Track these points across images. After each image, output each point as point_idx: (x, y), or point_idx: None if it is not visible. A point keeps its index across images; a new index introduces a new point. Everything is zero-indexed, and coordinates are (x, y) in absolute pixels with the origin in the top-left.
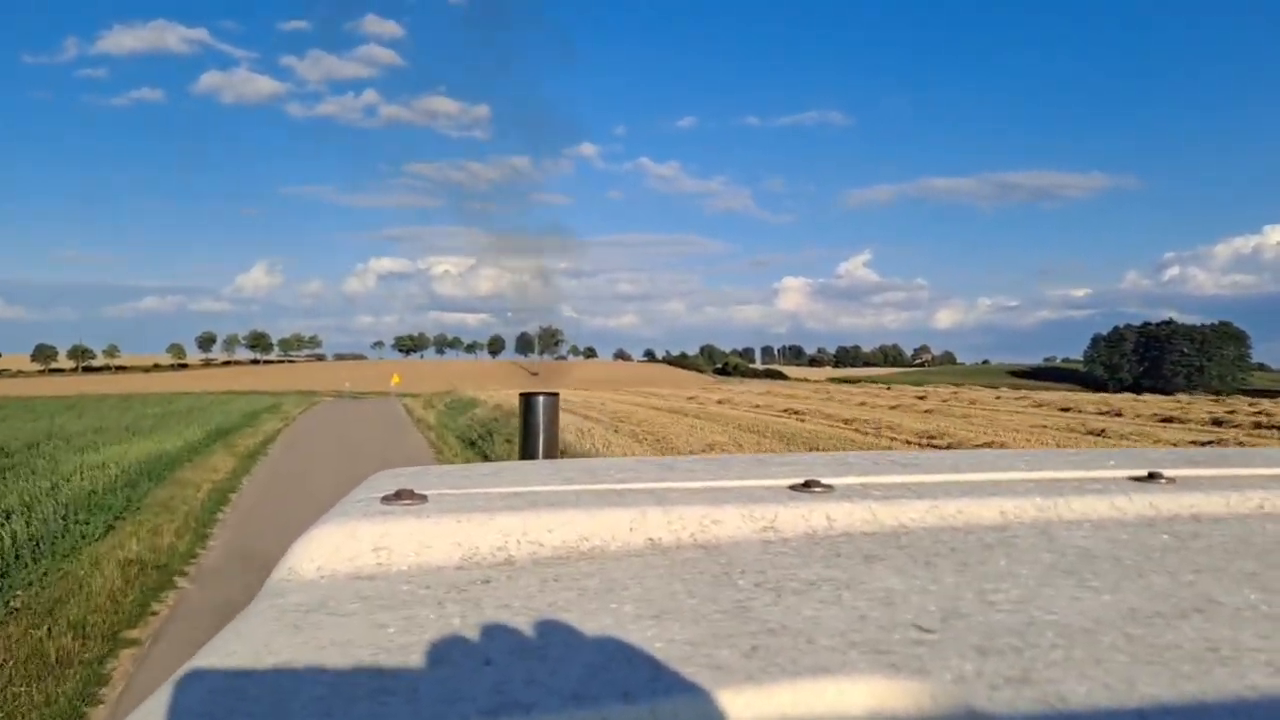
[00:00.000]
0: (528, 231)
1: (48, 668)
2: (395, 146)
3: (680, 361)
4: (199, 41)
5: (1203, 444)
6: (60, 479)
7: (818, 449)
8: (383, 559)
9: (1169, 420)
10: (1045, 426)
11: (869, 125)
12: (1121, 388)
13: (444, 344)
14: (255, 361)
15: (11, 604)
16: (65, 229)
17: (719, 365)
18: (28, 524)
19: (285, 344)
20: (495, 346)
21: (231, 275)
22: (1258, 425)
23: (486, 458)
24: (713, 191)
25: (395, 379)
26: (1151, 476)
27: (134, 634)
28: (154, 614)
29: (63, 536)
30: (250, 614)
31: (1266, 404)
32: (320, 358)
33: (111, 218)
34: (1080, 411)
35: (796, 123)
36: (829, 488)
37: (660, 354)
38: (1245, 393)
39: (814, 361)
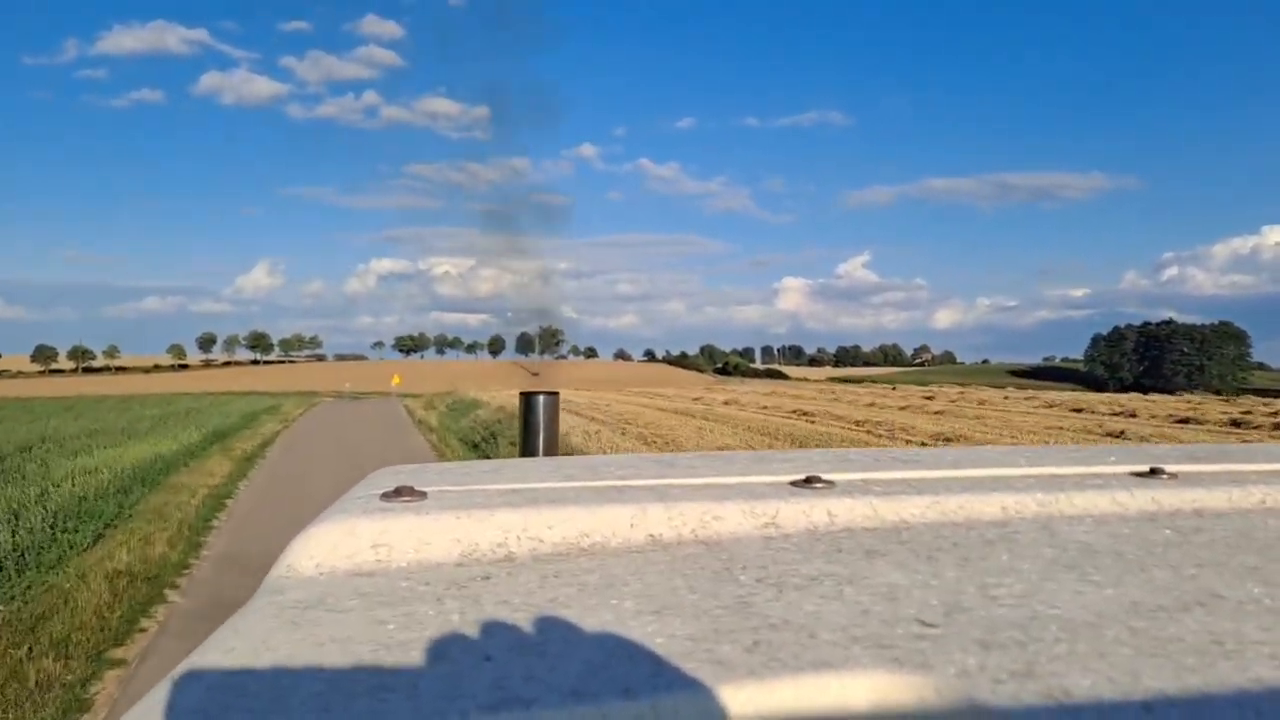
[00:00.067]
0: (528, 231)
1: (26, 692)
2: (395, 147)
3: (681, 361)
4: (199, 42)
5: None
6: (51, 484)
7: None
8: (382, 556)
9: (1185, 421)
10: (1061, 428)
11: (869, 125)
12: (1122, 387)
13: (444, 344)
14: (255, 362)
15: None
16: (65, 229)
17: (719, 365)
18: (13, 533)
19: (285, 344)
20: (496, 347)
21: (232, 276)
22: (1279, 426)
23: None
24: (712, 192)
25: (396, 379)
26: (1153, 472)
27: (120, 653)
28: (142, 630)
29: (49, 546)
30: (249, 611)
31: None
32: (320, 358)
33: (112, 218)
34: (1093, 412)
35: (796, 123)
36: (830, 483)
37: (660, 354)
38: (1246, 392)
39: (814, 361)
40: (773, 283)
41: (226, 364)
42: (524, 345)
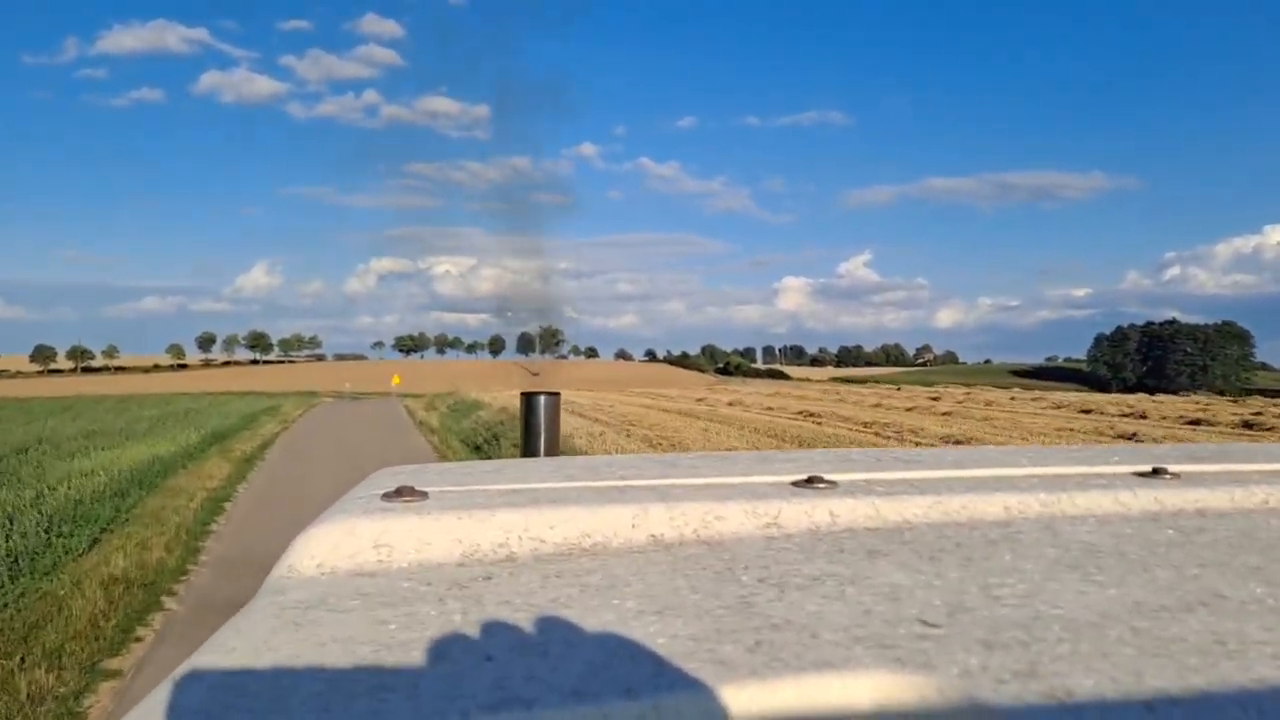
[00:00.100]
0: (528, 231)
1: (17, 705)
2: (395, 146)
3: (682, 361)
4: (199, 41)
5: None
6: (46, 488)
7: None
8: (383, 556)
9: (1196, 423)
10: (1072, 430)
11: (869, 125)
12: (1125, 388)
13: (444, 344)
14: (255, 362)
15: None
16: (65, 229)
17: (721, 365)
18: (7, 538)
19: (285, 344)
20: (496, 346)
21: (231, 275)
22: None
23: None
24: (713, 191)
25: (396, 379)
26: (1156, 472)
27: (115, 664)
28: (138, 640)
29: (44, 552)
30: (250, 611)
31: None
32: (320, 358)
33: (111, 218)
34: (1102, 413)
35: (796, 122)
36: (832, 484)
37: (661, 354)
38: (1249, 392)
39: (815, 361)
40: (773, 282)
41: (226, 364)
42: (524, 345)
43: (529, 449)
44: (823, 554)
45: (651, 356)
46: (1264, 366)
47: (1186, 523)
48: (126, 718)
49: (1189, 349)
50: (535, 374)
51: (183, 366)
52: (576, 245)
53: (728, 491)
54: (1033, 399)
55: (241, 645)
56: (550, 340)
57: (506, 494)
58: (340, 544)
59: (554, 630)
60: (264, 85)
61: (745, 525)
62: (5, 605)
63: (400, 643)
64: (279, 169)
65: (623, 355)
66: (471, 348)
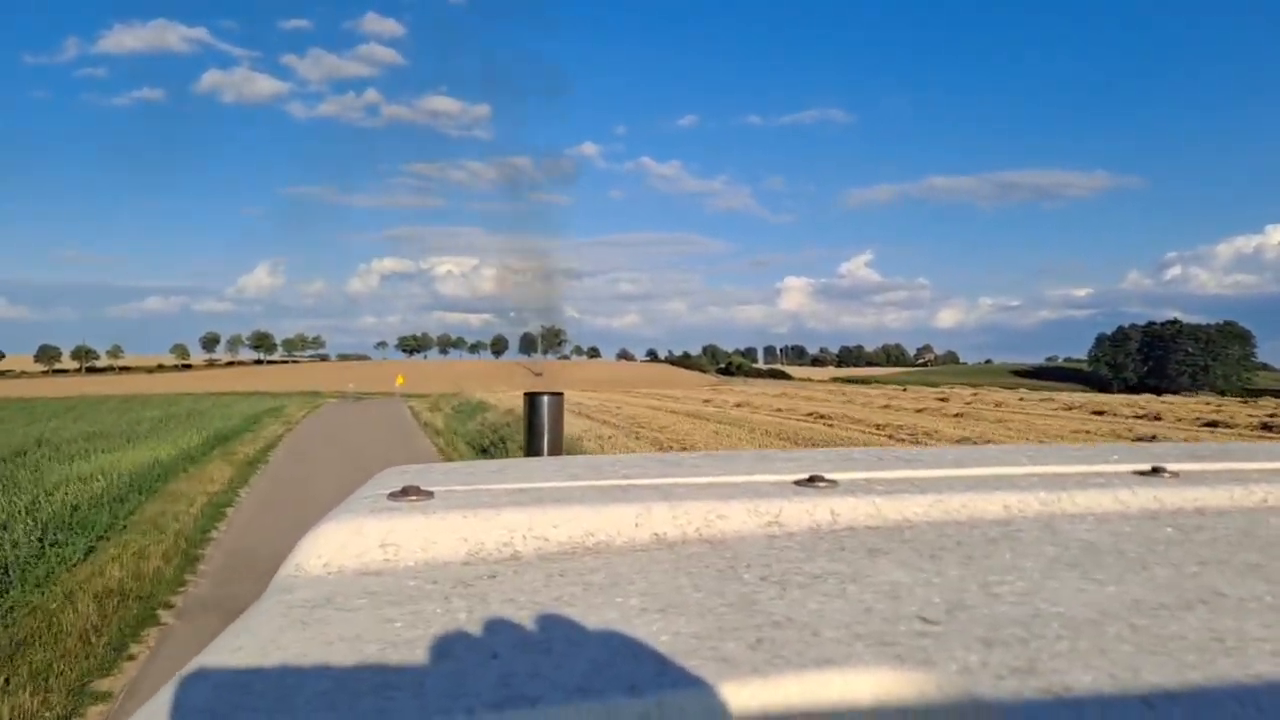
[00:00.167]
0: (529, 231)
1: None
2: (396, 146)
3: (684, 361)
4: (199, 41)
5: None
6: (43, 493)
7: None
8: (389, 555)
9: (1213, 425)
10: (1088, 432)
11: (870, 124)
12: (1126, 387)
13: (447, 344)
14: (259, 362)
15: None
16: (68, 229)
17: (722, 365)
18: None
19: (289, 344)
20: (499, 346)
21: (234, 275)
22: None
23: None
24: (714, 191)
25: (400, 379)
26: (1155, 470)
27: (105, 685)
28: (131, 658)
29: (37, 562)
30: (257, 610)
31: None
32: (324, 358)
33: (114, 218)
34: (1115, 415)
35: (797, 122)
36: (833, 483)
37: (662, 354)
38: (1251, 393)
39: (817, 361)
40: (774, 282)
41: (230, 364)
42: (527, 345)
43: (533, 448)
44: (824, 552)
45: (653, 356)
46: (1265, 367)
47: (1185, 521)
48: (135, 716)
49: (1190, 349)
50: (538, 374)
51: (187, 366)
52: (578, 245)
53: (730, 490)
54: (1041, 400)
55: (248, 644)
56: (553, 340)
57: (511, 493)
58: (347, 543)
59: (558, 628)
60: (265, 85)
61: (747, 524)
62: None
63: (406, 641)
64: (280, 169)
65: (625, 355)
66: (474, 348)
